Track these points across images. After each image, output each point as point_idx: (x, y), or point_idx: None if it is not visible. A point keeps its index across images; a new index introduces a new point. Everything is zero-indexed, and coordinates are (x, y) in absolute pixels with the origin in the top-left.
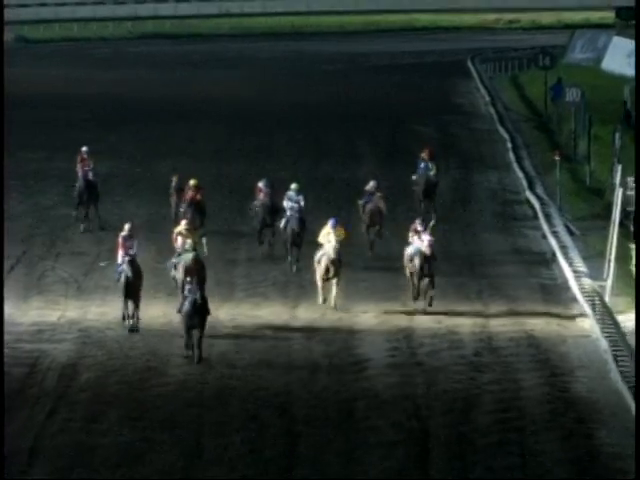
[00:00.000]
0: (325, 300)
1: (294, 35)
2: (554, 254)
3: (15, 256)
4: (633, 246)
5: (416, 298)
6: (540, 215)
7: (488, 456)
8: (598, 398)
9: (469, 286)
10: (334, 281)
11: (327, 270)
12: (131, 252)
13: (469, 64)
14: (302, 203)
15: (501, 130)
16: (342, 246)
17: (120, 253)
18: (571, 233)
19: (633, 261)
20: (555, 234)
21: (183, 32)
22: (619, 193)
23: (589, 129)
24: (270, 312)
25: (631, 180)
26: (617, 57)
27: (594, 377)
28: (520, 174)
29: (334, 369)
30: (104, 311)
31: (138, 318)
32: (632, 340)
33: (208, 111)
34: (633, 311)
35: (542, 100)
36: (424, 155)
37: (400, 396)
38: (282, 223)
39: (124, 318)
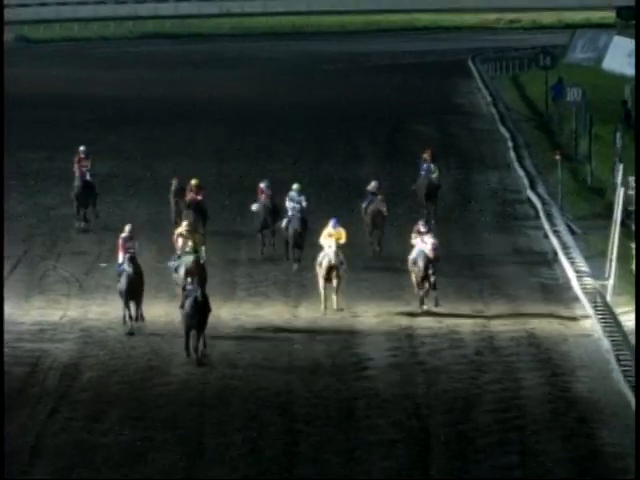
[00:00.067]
0: (327, 308)
1: (295, 35)
2: (555, 253)
3: (16, 256)
4: (634, 245)
5: (422, 302)
6: (541, 214)
7: (489, 455)
8: (599, 398)
9: (470, 285)
10: (335, 284)
11: (328, 273)
12: (131, 250)
13: (470, 64)
14: (304, 204)
15: (502, 130)
16: (343, 246)
17: (121, 254)
18: (572, 232)
19: (634, 260)
20: (556, 233)
21: (184, 32)
22: (620, 192)
23: (590, 129)
24: (271, 312)
25: (632, 179)
26: (618, 57)
27: (595, 377)
28: (521, 174)
29: (335, 368)
30: (106, 310)
31: (142, 317)
32: (633, 339)
33: (208, 111)
34: (634, 310)
35: (543, 100)
36: (426, 156)
37: (401, 395)
38: (283, 223)
39: (124, 320)
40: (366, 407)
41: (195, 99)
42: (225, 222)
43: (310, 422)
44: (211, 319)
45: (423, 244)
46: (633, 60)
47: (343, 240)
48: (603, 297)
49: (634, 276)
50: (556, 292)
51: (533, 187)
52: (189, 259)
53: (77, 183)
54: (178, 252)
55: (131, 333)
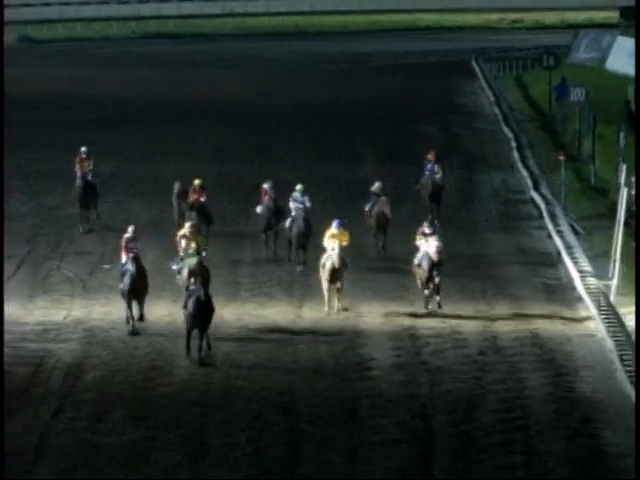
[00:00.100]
0: (331, 308)
1: (297, 35)
2: (559, 253)
3: (20, 256)
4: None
5: (427, 303)
6: (545, 215)
7: (492, 455)
8: (603, 398)
9: (473, 285)
10: (337, 286)
11: (332, 275)
12: (135, 250)
13: (473, 64)
14: (308, 204)
15: (505, 130)
16: (346, 247)
17: (124, 255)
18: (576, 232)
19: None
20: (560, 233)
21: (186, 32)
22: (624, 192)
23: (593, 129)
24: (275, 312)
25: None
26: (621, 57)
27: (599, 377)
28: (525, 174)
29: (338, 368)
30: (109, 310)
31: (143, 317)
32: None
33: (209, 111)
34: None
35: (546, 100)
36: (430, 157)
37: (404, 395)
38: (287, 223)
39: (128, 321)
40: (370, 407)
41: (197, 99)
42: (228, 223)
43: (313, 422)
44: (215, 319)
45: (428, 246)
46: None
47: (346, 242)
48: (607, 297)
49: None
50: (559, 292)
51: (536, 187)
52: (192, 261)
53: (78, 183)
54: (181, 254)
55: (136, 333)
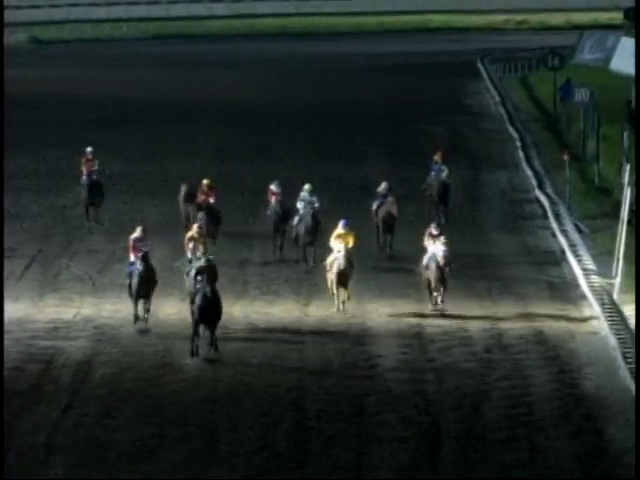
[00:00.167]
0: (343, 303)
1: (308, 36)
2: (563, 252)
3: (31, 255)
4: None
5: (435, 303)
6: (549, 214)
7: (497, 451)
8: (607, 395)
9: (479, 284)
10: (344, 297)
11: (339, 278)
12: (145, 249)
13: (479, 64)
14: (317, 204)
15: (510, 130)
16: (352, 247)
17: (132, 255)
18: (580, 231)
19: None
20: (564, 233)
21: (195, 33)
22: (627, 192)
23: (598, 129)
24: (283, 310)
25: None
26: (625, 57)
27: (603, 374)
28: (529, 173)
29: (346, 365)
30: (119, 308)
31: (149, 309)
32: None
33: (223, 112)
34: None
35: (551, 100)
36: (437, 158)
37: (411, 392)
38: (295, 221)
39: (135, 320)
40: (377, 404)
41: (208, 99)
42: (234, 222)
43: (321, 419)
44: (223, 317)
45: (435, 249)
46: None
47: (352, 243)
48: (610, 295)
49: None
50: (564, 290)
51: (541, 187)
52: (200, 262)
53: (84, 183)
54: (189, 256)
55: (143, 330)
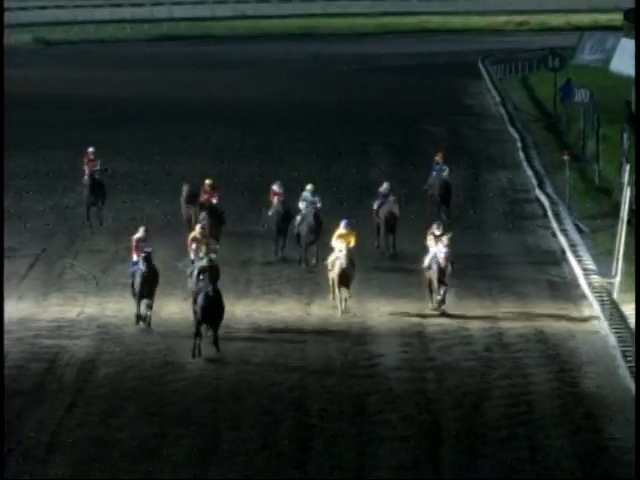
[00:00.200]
0: (344, 302)
1: (308, 37)
2: (563, 252)
3: (35, 254)
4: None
5: (438, 305)
6: (550, 214)
7: (498, 450)
8: (607, 393)
9: (479, 283)
10: (346, 296)
11: (341, 279)
12: (147, 250)
13: (480, 65)
14: (319, 204)
15: (511, 130)
16: (353, 247)
17: (135, 255)
18: (580, 231)
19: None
20: (564, 232)
21: (198, 34)
22: (627, 192)
23: (597, 129)
24: (285, 309)
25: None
26: (625, 58)
27: (603, 373)
28: (530, 173)
29: (347, 364)
30: (122, 308)
31: (151, 306)
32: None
33: (223, 112)
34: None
35: (551, 101)
36: (438, 158)
37: (412, 391)
38: (297, 220)
39: (137, 320)
40: (378, 402)
41: (208, 100)
42: (236, 222)
43: (323, 417)
44: (225, 316)
45: (437, 250)
46: None
47: (353, 243)
48: (610, 294)
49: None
50: (564, 290)
51: (541, 187)
52: (203, 262)
53: (86, 183)
54: (192, 256)
55: (146, 330)
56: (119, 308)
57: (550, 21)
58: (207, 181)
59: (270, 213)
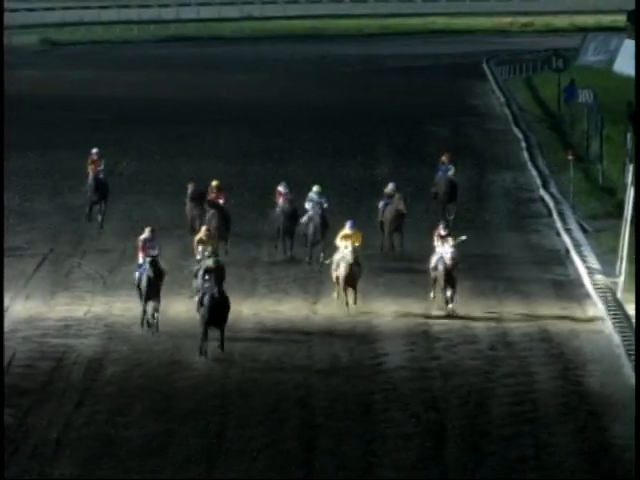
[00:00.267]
0: (347, 304)
1: (313, 38)
2: (568, 251)
3: (42, 254)
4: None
5: (446, 303)
6: (554, 213)
7: (502, 447)
8: (611, 392)
9: (484, 282)
10: (351, 289)
11: (346, 277)
12: (153, 253)
13: (484, 66)
14: (325, 205)
15: (515, 130)
16: (359, 246)
17: (140, 255)
18: (584, 231)
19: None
20: (568, 232)
21: (205, 35)
22: (630, 192)
23: (601, 129)
24: (291, 308)
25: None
26: (629, 59)
27: (607, 371)
28: (534, 173)
29: (353, 363)
30: (129, 307)
31: (157, 316)
32: None
33: (230, 113)
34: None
35: (555, 101)
36: (444, 159)
37: (417, 389)
38: (303, 220)
39: (142, 324)
40: (383, 401)
41: (214, 101)
42: (244, 222)
43: (329, 416)
44: (232, 315)
45: (444, 250)
46: None
47: (359, 242)
48: (614, 294)
49: None
50: (568, 289)
51: (545, 186)
52: (209, 261)
53: (90, 182)
54: (198, 257)
55: (153, 332)
56: (126, 307)
57: (554, 22)
58: (214, 182)
59: (277, 211)
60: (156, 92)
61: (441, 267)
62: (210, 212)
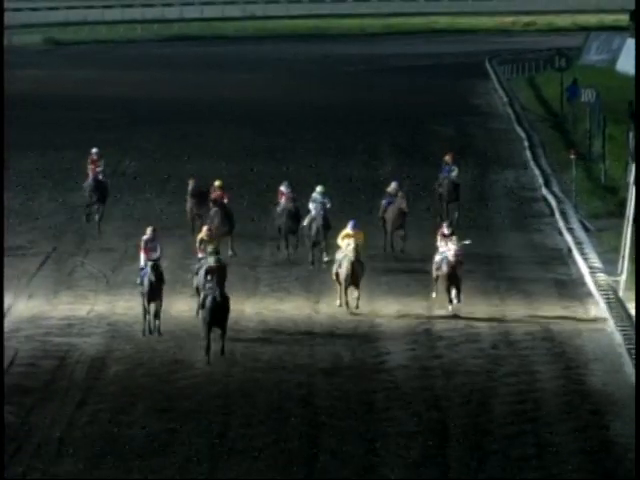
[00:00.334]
0: (347, 304)
1: (316, 37)
2: (570, 250)
3: (45, 252)
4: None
5: (450, 302)
6: (556, 212)
7: (505, 446)
8: (612, 391)
9: (486, 281)
10: (354, 288)
11: (349, 273)
12: (155, 256)
13: (487, 65)
14: (328, 205)
15: (518, 129)
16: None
17: (142, 256)
18: (586, 230)
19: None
20: (571, 230)
21: (208, 34)
22: (633, 191)
23: (604, 129)
24: (293, 307)
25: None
26: (631, 58)
27: (608, 370)
28: (536, 172)
29: (355, 362)
30: (132, 306)
31: (157, 322)
32: None
33: (234, 112)
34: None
35: (558, 100)
36: (447, 158)
37: (419, 388)
38: (306, 221)
39: (144, 332)
40: (386, 400)
41: (218, 100)
42: (248, 222)
43: (331, 414)
44: (235, 314)
45: (447, 249)
46: None
47: (361, 242)
48: (616, 292)
49: None
50: (570, 288)
51: (548, 185)
52: (210, 260)
53: (89, 182)
54: (200, 255)
55: (155, 333)
56: (129, 306)
57: (557, 22)
58: (217, 182)
59: (278, 211)
60: (159, 91)
61: (445, 268)
62: (213, 210)
